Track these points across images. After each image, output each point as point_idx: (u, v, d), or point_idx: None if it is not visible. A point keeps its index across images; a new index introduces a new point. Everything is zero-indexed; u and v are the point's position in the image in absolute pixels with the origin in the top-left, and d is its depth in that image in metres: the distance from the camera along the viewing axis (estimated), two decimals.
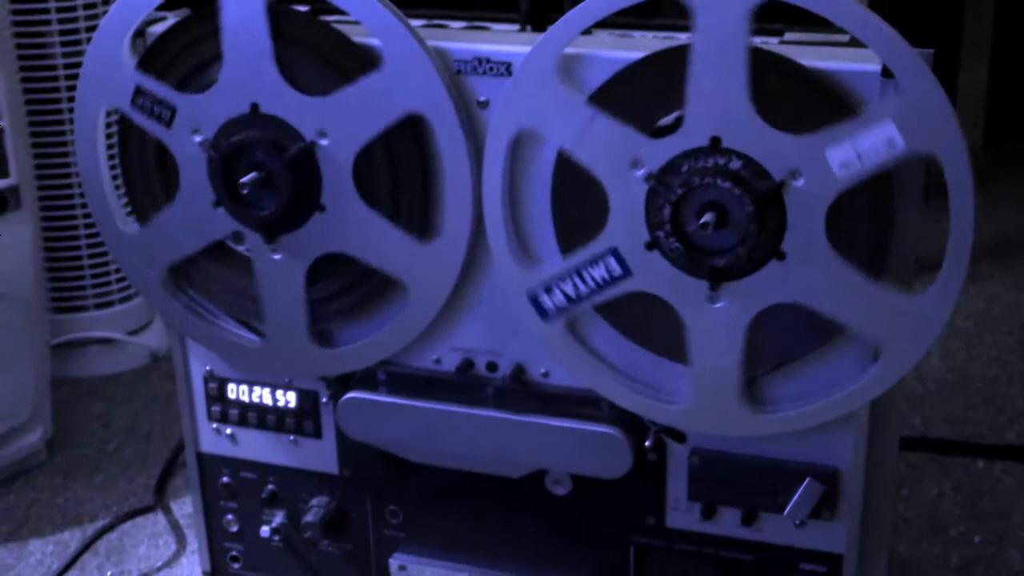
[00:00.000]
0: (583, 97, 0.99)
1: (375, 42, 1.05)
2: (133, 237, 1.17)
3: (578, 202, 1.03)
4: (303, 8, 1.09)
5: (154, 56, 1.12)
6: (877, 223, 0.97)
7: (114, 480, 1.59)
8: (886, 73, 0.94)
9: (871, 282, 0.97)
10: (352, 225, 1.09)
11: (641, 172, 0.98)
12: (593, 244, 1.02)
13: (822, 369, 1.03)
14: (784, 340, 1.02)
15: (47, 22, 1.72)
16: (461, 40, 1.06)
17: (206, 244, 1.15)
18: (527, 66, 1.00)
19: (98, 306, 1.85)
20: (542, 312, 1.05)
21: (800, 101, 0.95)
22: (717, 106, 0.95)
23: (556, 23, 0.98)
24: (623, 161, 0.99)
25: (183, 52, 1.11)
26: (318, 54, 1.07)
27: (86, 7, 1.73)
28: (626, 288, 1.02)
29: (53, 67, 1.74)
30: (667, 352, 1.05)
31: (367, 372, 1.17)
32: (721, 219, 0.97)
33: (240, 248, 1.14)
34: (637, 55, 0.99)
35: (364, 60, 1.05)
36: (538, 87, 1.00)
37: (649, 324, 1.04)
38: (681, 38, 0.98)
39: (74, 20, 1.73)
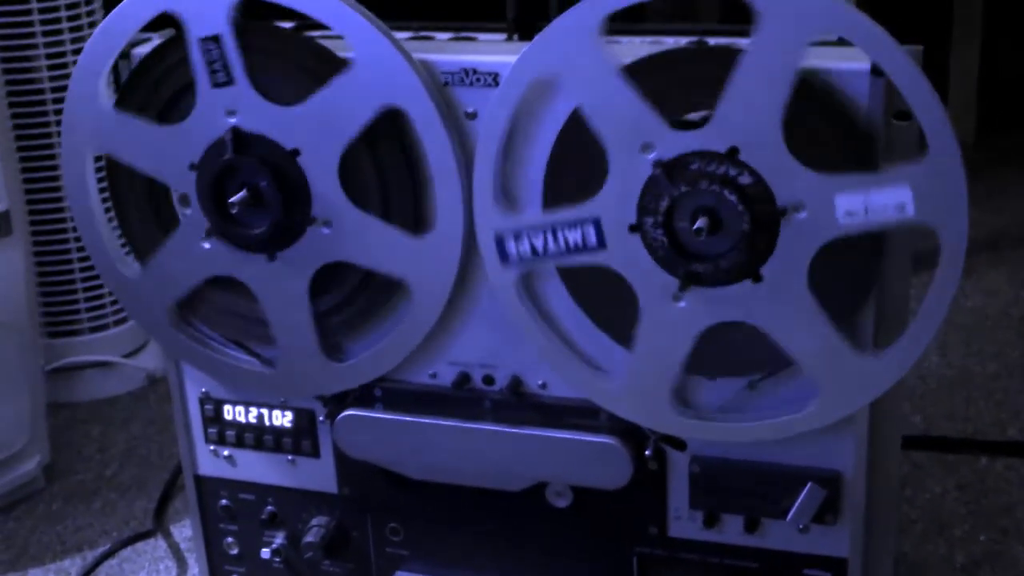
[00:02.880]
0: (618, 64, 0.98)
1: (347, 50, 1.04)
2: (136, 278, 1.16)
3: (575, 164, 1.02)
4: (271, 22, 1.08)
5: (130, 93, 1.11)
6: (859, 278, 0.97)
7: (113, 505, 1.58)
8: (875, 72, 0.93)
9: (832, 330, 0.97)
10: (346, 230, 1.07)
11: (651, 156, 0.97)
12: (578, 208, 1.00)
13: (775, 387, 1.03)
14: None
15: (33, 45, 1.71)
16: (447, 52, 1.06)
17: (208, 275, 1.14)
18: (571, 17, 0.97)
19: (93, 329, 1.85)
20: (503, 255, 1.04)
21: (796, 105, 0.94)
22: (748, 117, 0.94)
23: None
24: (636, 140, 0.97)
25: (157, 83, 1.11)
26: (289, 63, 1.06)
27: (72, 30, 1.73)
28: (594, 260, 1.01)
29: (41, 91, 1.73)
30: (614, 332, 1.05)
31: (364, 389, 1.16)
32: (713, 227, 0.96)
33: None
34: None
35: (334, 64, 1.04)
36: (576, 40, 0.97)
37: (605, 301, 1.04)
38: (675, 41, 0.97)
39: (60, 43, 1.72)
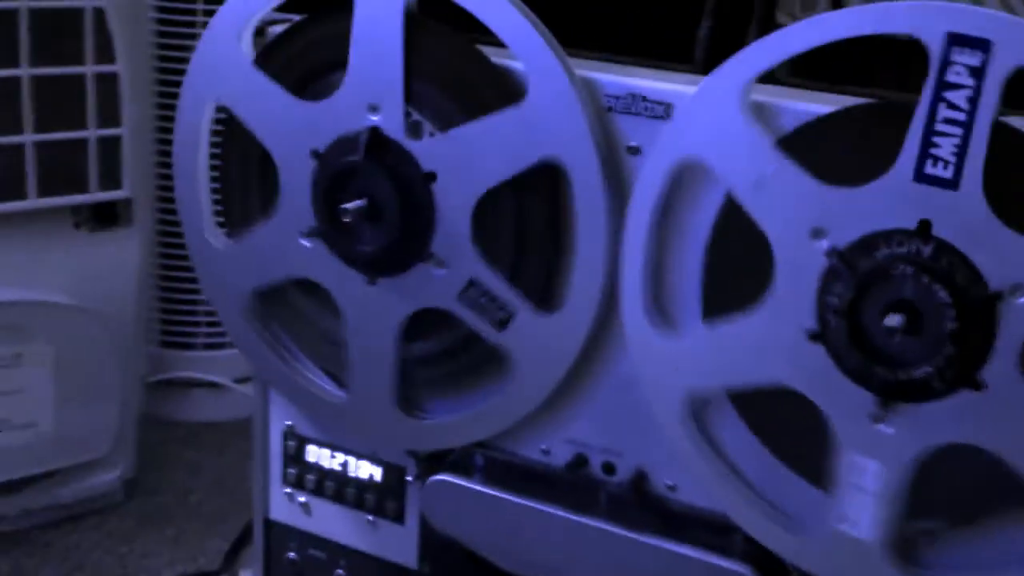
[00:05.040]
0: (772, 138, 0.81)
1: (518, 68, 0.88)
2: (221, 251, 1.02)
3: (736, 263, 0.85)
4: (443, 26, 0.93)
5: (273, 53, 0.98)
6: None
7: (187, 536, 1.45)
8: None
9: None
10: (463, 281, 0.92)
11: (824, 244, 0.79)
12: (745, 319, 0.82)
13: (1004, 537, 0.81)
14: (964, 489, 0.81)
15: (192, 23, 1.61)
16: (615, 72, 0.89)
17: (298, 274, 0.99)
18: (710, 86, 0.82)
19: (208, 346, 1.72)
20: None
21: None
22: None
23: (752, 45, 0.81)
24: (804, 226, 0.79)
25: (304, 52, 0.97)
26: (454, 78, 0.91)
27: None
28: (771, 381, 0.83)
29: None
30: (806, 471, 0.85)
31: (464, 454, 0.99)
32: (912, 324, 0.77)
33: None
34: (843, 104, 0.81)
35: (503, 90, 0.89)
36: (720, 112, 0.82)
37: (792, 432, 0.85)
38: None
39: None
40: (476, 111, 0.90)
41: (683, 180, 0.86)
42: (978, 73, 0.74)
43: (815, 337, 0.80)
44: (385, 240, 0.93)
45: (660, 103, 0.87)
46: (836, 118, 0.81)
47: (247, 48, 0.98)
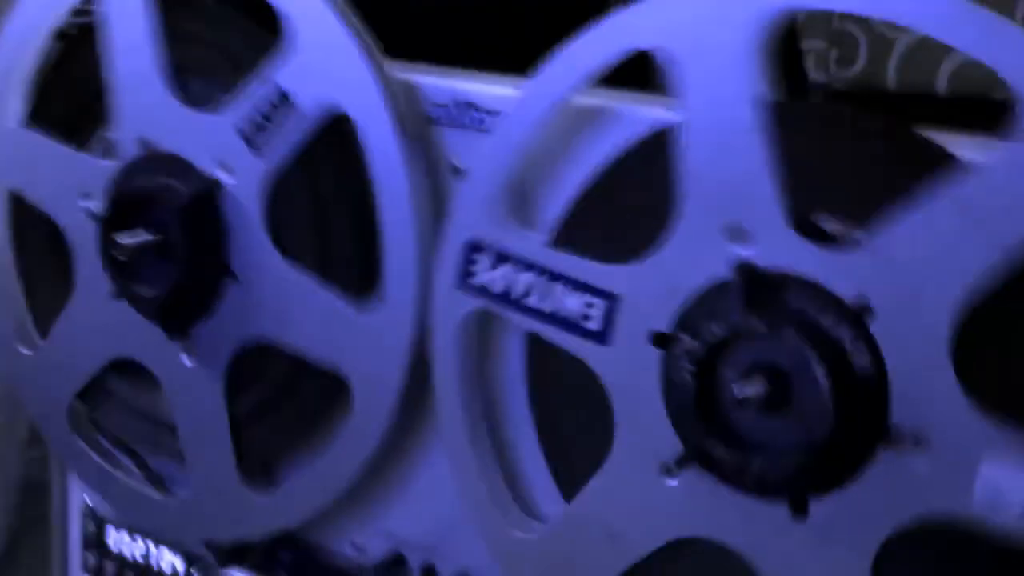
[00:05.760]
0: (543, 238, 0.65)
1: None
2: (31, 357, 0.87)
3: (617, 210, 0.67)
4: None
5: (42, 104, 0.85)
6: None
7: None
8: None
9: None
10: (272, 293, 0.75)
11: (742, 251, 0.60)
12: (598, 269, 0.64)
13: None
14: None
15: None
16: (438, 75, 0.72)
17: (109, 354, 0.83)
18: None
19: None
20: (464, 271, 0.68)
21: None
22: (921, 275, 0.56)
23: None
24: (721, 215, 0.60)
25: (68, 92, 0.85)
26: (216, 47, 0.77)
27: None
28: (579, 352, 0.65)
29: None
30: (560, 468, 0.70)
31: (268, 547, 0.81)
32: (774, 401, 0.57)
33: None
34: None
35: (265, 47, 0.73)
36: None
37: (571, 414, 0.69)
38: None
39: None
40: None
41: (482, 331, 0.69)
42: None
43: (660, 342, 0.61)
44: (177, 274, 0.76)
45: (491, 112, 0.69)
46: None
47: (16, 108, 0.84)
